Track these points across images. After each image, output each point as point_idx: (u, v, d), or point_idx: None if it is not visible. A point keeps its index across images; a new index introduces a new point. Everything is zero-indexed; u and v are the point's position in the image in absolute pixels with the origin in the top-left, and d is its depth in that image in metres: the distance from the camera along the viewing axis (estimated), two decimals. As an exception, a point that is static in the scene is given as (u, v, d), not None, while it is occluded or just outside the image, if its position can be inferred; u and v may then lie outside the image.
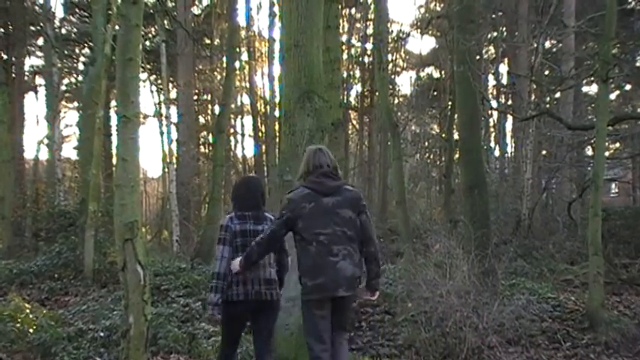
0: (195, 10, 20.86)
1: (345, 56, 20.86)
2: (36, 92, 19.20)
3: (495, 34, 19.53)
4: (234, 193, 3.61)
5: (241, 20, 22.21)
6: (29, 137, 61.67)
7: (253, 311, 3.43)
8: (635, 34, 14.59)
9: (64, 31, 16.28)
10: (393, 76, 22.08)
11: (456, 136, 14.06)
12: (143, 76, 17.13)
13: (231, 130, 23.75)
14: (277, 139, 17.73)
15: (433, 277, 5.59)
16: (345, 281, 3.18)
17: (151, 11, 15.46)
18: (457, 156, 13.19)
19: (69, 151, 28.87)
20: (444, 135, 17.74)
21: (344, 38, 20.52)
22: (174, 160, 16.55)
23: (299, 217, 3.23)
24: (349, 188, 3.38)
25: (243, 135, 24.23)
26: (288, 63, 4.64)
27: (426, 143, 24.83)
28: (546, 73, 15.89)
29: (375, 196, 22.11)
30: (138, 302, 3.40)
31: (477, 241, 6.28)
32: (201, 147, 24.36)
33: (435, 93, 22.56)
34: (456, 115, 12.42)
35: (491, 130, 19.96)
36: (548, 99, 14.27)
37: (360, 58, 23.04)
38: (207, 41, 21.52)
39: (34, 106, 40.14)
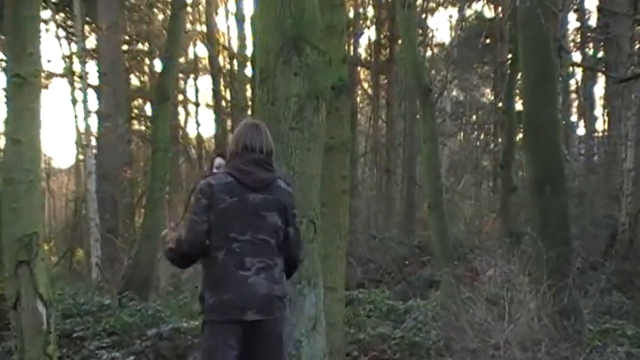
0: None
1: (352, -15, 20.85)
2: None
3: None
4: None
5: None
6: None
7: None
8: None
9: None
10: (423, 16, 22.06)
11: (519, 105, 14.05)
12: (45, 14, 17.02)
13: (180, 97, 23.73)
14: (250, 111, 17.67)
15: (485, 318, 5.61)
16: (258, 301, 3.54)
17: None
18: (521, 136, 13.16)
19: None
20: (500, 104, 17.72)
21: (350, -43, 20.51)
22: (94, 143, 16.50)
23: (212, 210, 3.58)
24: (282, 185, 3.75)
25: (197, 104, 24.24)
26: (265, -5, 4.64)
27: (474, 117, 24.85)
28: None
29: (396, 196, 22.16)
30: (38, 357, 3.39)
31: (550, 265, 6.30)
32: (135, 122, 24.30)
33: (488, 41, 22.51)
34: (519, 75, 12.42)
35: (573, 96, 20.01)
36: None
37: (375, -12, 23.02)
38: (143, -39, 21.44)
39: None
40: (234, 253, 3.54)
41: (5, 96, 3.69)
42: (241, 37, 17.58)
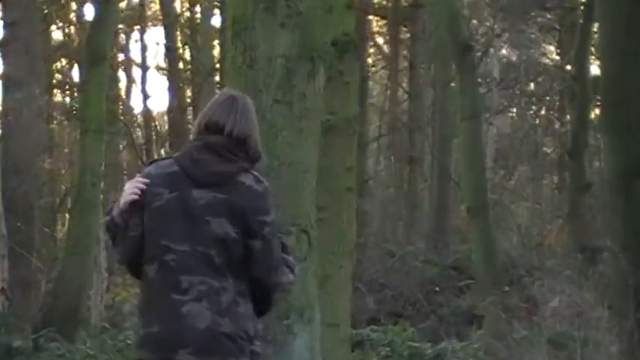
0: None
1: None
2: None
3: None
4: None
5: None
6: None
7: None
8: None
9: None
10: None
11: (595, 69, 14.03)
12: None
13: (120, 57, 23.60)
14: (218, 77, 17.52)
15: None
16: (194, 338, 3.51)
17: None
18: (598, 112, 13.09)
19: None
20: (569, 67, 17.63)
21: None
22: (-1, 121, 16.48)
23: (146, 208, 3.64)
24: (247, 182, 3.66)
25: (145, 67, 24.10)
26: None
27: (532, 85, 24.77)
28: None
29: (423, 195, 22.12)
30: None
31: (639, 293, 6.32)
32: (57, 92, 24.25)
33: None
34: (595, 27, 12.40)
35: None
36: None
37: None
38: None
39: None
40: (168, 267, 3.55)
41: None
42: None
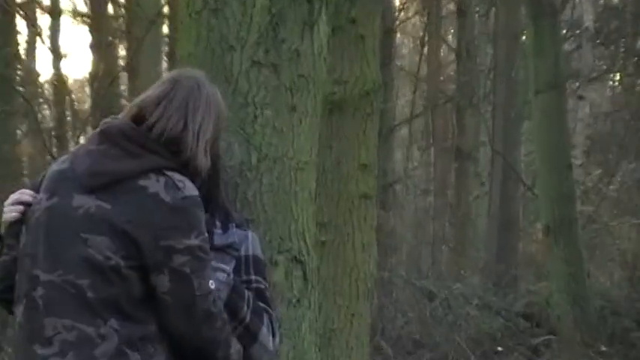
0: None
1: None
2: None
3: None
4: None
5: None
6: None
7: None
8: None
9: None
10: None
11: None
12: None
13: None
14: (166, 28, 17.59)
15: None
16: None
17: None
18: None
19: None
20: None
21: None
22: None
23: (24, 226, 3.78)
24: (151, 188, 3.64)
25: (56, 13, 24.17)
26: None
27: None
28: None
29: (478, 206, 22.19)
30: None
31: None
32: None
33: None
34: None
35: None
36: None
37: None
38: None
39: None
40: (34, 307, 3.58)
41: None
42: None
